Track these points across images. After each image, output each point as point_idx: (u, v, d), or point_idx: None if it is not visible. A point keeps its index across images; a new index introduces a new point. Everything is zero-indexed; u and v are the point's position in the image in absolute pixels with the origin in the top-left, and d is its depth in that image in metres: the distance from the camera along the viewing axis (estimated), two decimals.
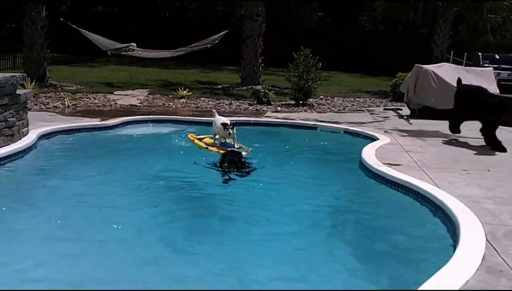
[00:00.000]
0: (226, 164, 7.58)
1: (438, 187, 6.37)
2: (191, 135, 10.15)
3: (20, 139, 8.54)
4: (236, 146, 9.05)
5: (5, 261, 4.45)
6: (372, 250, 5.00)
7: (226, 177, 7.46)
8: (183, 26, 31.59)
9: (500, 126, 12.24)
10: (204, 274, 4.35)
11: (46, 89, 16.86)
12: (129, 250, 4.90)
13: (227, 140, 9.31)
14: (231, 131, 8.85)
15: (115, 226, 5.41)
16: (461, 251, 4.30)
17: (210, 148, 9.34)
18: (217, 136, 9.48)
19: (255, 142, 9.85)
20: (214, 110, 10.40)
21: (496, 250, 4.32)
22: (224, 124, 8.90)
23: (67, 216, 5.70)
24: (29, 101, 10.04)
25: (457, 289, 3.57)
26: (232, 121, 9.14)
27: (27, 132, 9.02)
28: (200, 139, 9.90)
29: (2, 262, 4.42)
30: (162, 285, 4.17)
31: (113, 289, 3.85)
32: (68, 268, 4.43)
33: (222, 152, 8.47)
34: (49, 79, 18.84)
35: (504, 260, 4.11)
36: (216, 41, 19.97)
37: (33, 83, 15.31)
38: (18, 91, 8.64)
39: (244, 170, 7.70)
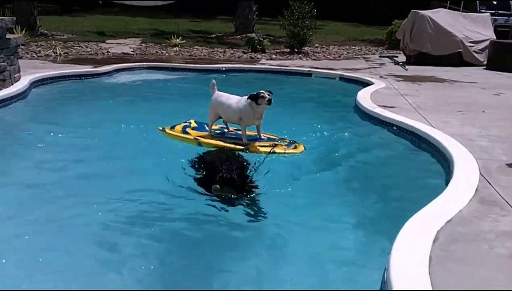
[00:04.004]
0: (218, 186, 4.51)
1: (433, 127, 6.37)
2: (169, 129, 6.59)
3: (12, 85, 8.46)
4: (262, 137, 6.27)
5: None
6: (368, 184, 5.06)
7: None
8: None
9: (498, 72, 12.28)
10: None
11: (37, 38, 16.63)
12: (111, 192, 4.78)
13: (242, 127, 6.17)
14: (270, 97, 5.79)
15: (101, 172, 5.33)
16: (454, 183, 4.32)
17: (203, 139, 6.25)
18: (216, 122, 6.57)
19: (250, 89, 9.73)
20: (213, 82, 6.48)
21: (489, 183, 4.35)
22: (255, 97, 5.83)
23: (56, 160, 5.65)
24: (20, 49, 9.91)
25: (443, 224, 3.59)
26: (268, 93, 5.89)
27: (19, 78, 8.92)
28: (174, 128, 6.65)
29: None
30: None
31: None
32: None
33: (238, 146, 5.93)
34: (40, 28, 18.53)
35: (497, 191, 4.14)
36: None
37: (24, 32, 15.01)
38: (8, 36, 8.48)
39: (246, 194, 4.65)
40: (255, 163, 4.98)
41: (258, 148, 5.89)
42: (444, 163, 5.23)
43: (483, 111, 7.55)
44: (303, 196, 4.76)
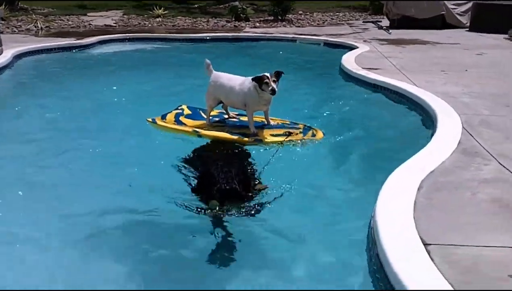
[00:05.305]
0: (215, 202, 3.52)
1: (417, 86, 6.45)
2: (160, 120, 5.48)
3: None
4: (271, 123, 5.30)
5: None
6: (356, 140, 5.13)
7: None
8: None
9: (480, 34, 12.36)
10: None
11: (16, 13, 16.34)
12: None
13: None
14: (274, 86, 4.76)
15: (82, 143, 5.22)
16: (438, 137, 4.43)
17: (204, 132, 5.17)
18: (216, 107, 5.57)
19: (235, 57, 9.74)
20: (207, 61, 5.37)
21: (471, 135, 4.45)
22: (258, 80, 4.82)
23: (36, 134, 5.52)
24: (0, 24, 9.77)
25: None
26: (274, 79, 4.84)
27: (1, 52, 8.82)
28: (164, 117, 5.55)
29: None
30: None
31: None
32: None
33: (247, 139, 4.95)
34: (19, 3, 18.21)
35: (479, 143, 4.24)
36: None
37: (3, 6, 14.75)
38: None
39: (248, 208, 3.64)
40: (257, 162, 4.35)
41: (270, 137, 4.99)
42: (428, 119, 5.33)
43: (466, 70, 7.64)
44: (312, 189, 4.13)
